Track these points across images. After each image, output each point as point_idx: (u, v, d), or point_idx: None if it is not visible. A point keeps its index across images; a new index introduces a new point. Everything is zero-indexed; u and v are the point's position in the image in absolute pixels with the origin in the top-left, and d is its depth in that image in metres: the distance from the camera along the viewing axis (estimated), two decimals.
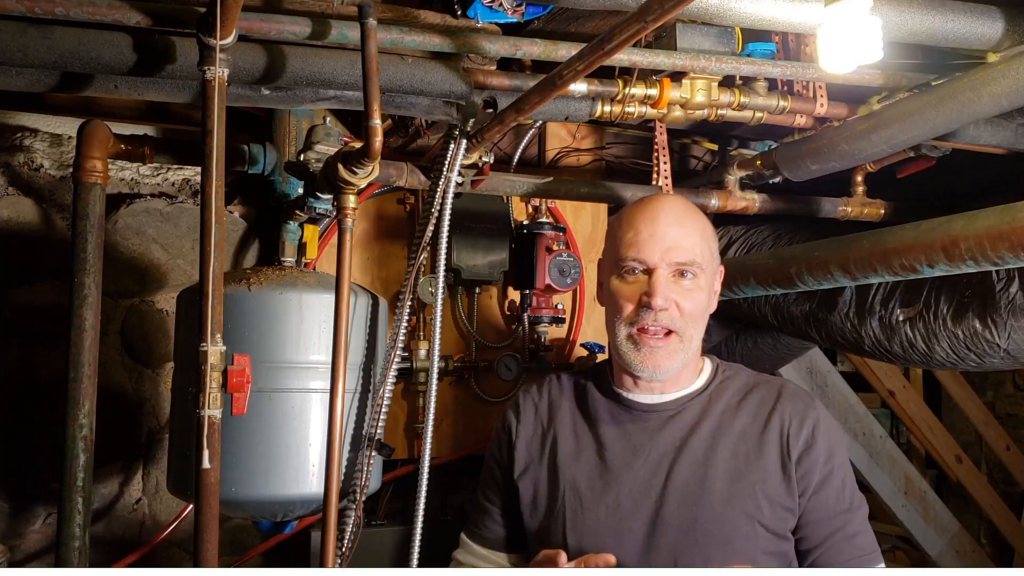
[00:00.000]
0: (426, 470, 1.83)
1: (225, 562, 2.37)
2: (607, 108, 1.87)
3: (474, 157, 1.82)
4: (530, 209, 2.62)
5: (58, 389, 1.67)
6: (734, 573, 1.28)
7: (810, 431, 1.35)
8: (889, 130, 1.85)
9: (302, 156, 1.72)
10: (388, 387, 1.78)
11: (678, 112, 1.92)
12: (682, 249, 1.34)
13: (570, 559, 1.32)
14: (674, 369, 1.37)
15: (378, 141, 1.43)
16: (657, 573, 1.30)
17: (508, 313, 2.62)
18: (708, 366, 1.46)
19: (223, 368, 1.27)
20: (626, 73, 1.85)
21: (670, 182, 2.27)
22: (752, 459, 1.33)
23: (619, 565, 1.29)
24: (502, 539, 1.51)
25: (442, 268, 1.82)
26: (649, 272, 1.34)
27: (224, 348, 1.27)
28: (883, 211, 2.39)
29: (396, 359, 1.80)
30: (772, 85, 1.99)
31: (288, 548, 2.41)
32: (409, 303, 1.84)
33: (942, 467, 4.06)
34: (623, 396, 1.43)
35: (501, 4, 1.57)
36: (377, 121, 1.42)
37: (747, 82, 1.96)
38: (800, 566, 1.34)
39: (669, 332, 1.35)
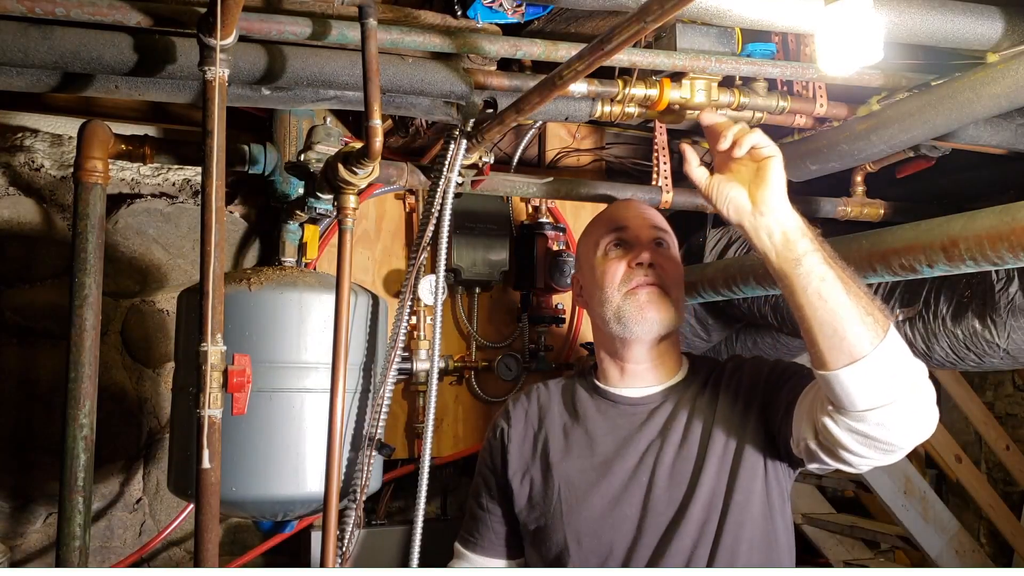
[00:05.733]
0: (426, 470, 1.83)
1: (225, 562, 2.38)
2: (607, 108, 1.87)
3: (474, 157, 1.82)
4: (530, 209, 2.62)
5: (58, 389, 1.67)
6: (733, 573, 1.29)
7: (739, 363, 1.47)
8: (889, 130, 1.85)
9: (302, 156, 1.72)
10: (388, 387, 1.78)
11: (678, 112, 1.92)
12: (655, 219, 1.52)
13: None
14: (665, 324, 1.43)
15: (378, 141, 1.43)
16: (657, 573, 1.31)
17: (508, 313, 2.62)
18: (686, 363, 1.53)
19: (223, 368, 1.27)
20: (626, 73, 1.84)
21: (670, 182, 2.27)
22: (722, 429, 1.38)
23: (616, 547, 1.35)
24: (497, 544, 1.53)
25: (442, 268, 1.82)
26: (630, 244, 1.47)
27: (224, 348, 1.27)
28: (883, 211, 2.40)
29: (396, 359, 1.81)
30: (772, 85, 1.99)
31: (288, 548, 2.42)
32: (409, 303, 1.84)
33: (942, 467, 4.04)
34: (610, 392, 1.48)
35: (501, 4, 1.57)
36: (377, 121, 1.42)
37: (747, 82, 1.96)
38: (780, 420, 1.34)
39: (661, 288, 1.44)
